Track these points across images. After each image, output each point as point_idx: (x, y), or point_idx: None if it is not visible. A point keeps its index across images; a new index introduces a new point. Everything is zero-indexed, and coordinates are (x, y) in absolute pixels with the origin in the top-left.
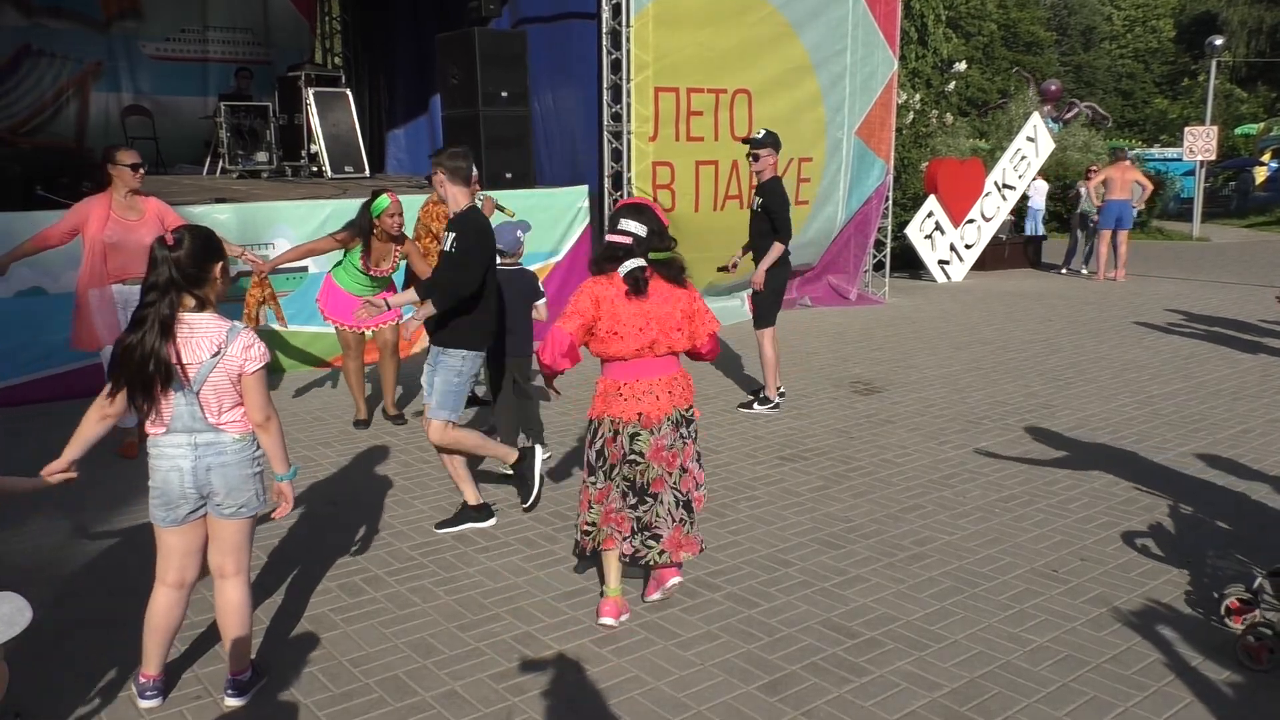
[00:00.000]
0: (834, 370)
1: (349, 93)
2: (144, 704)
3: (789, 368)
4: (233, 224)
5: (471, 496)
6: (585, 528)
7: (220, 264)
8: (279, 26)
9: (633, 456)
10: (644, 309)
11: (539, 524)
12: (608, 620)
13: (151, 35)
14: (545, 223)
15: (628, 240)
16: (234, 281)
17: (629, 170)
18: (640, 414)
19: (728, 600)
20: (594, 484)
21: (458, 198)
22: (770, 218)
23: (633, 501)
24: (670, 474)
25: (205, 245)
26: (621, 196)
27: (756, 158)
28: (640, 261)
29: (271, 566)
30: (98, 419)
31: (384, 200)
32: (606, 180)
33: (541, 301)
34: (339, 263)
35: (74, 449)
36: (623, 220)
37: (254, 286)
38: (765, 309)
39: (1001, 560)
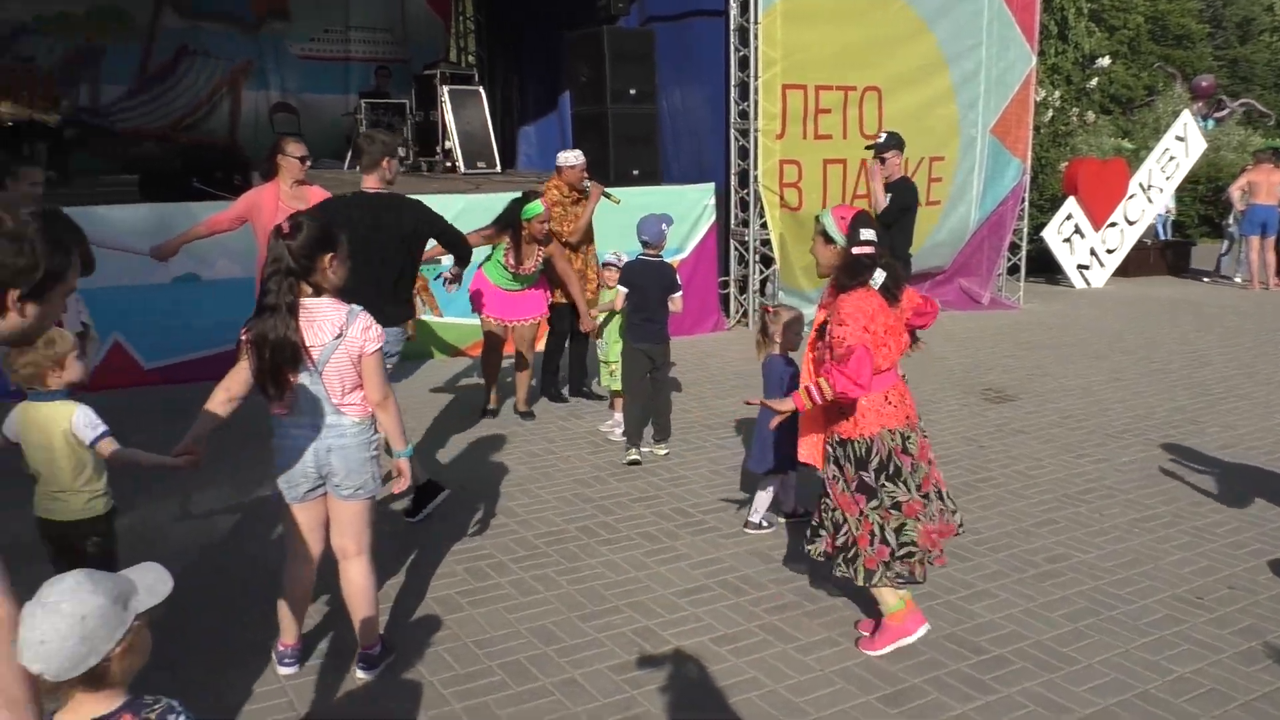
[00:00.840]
0: (964, 377)
1: (482, 90)
2: (282, 670)
3: (914, 373)
4: None
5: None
6: (904, 552)
7: (330, 255)
8: (416, 26)
9: (907, 464)
10: (894, 315)
11: (661, 520)
12: (926, 626)
13: (298, 36)
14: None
15: (871, 250)
16: None
17: (755, 168)
18: (908, 417)
19: (849, 607)
20: (882, 505)
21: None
22: (888, 213)
23: (931, 510)
24: (929, 470)
25: (317, 237)
26: (748, 194)
27: (884, 161)
28: (888, 277)
29: (402, 547)
30: (223, 401)
31: (537, 207)
32: (733, 178)
33: (678, 294)
34: (488, 257)
35: (200, 428)
36: (863, 231)
37: None
38: None
39: (1141, 583)
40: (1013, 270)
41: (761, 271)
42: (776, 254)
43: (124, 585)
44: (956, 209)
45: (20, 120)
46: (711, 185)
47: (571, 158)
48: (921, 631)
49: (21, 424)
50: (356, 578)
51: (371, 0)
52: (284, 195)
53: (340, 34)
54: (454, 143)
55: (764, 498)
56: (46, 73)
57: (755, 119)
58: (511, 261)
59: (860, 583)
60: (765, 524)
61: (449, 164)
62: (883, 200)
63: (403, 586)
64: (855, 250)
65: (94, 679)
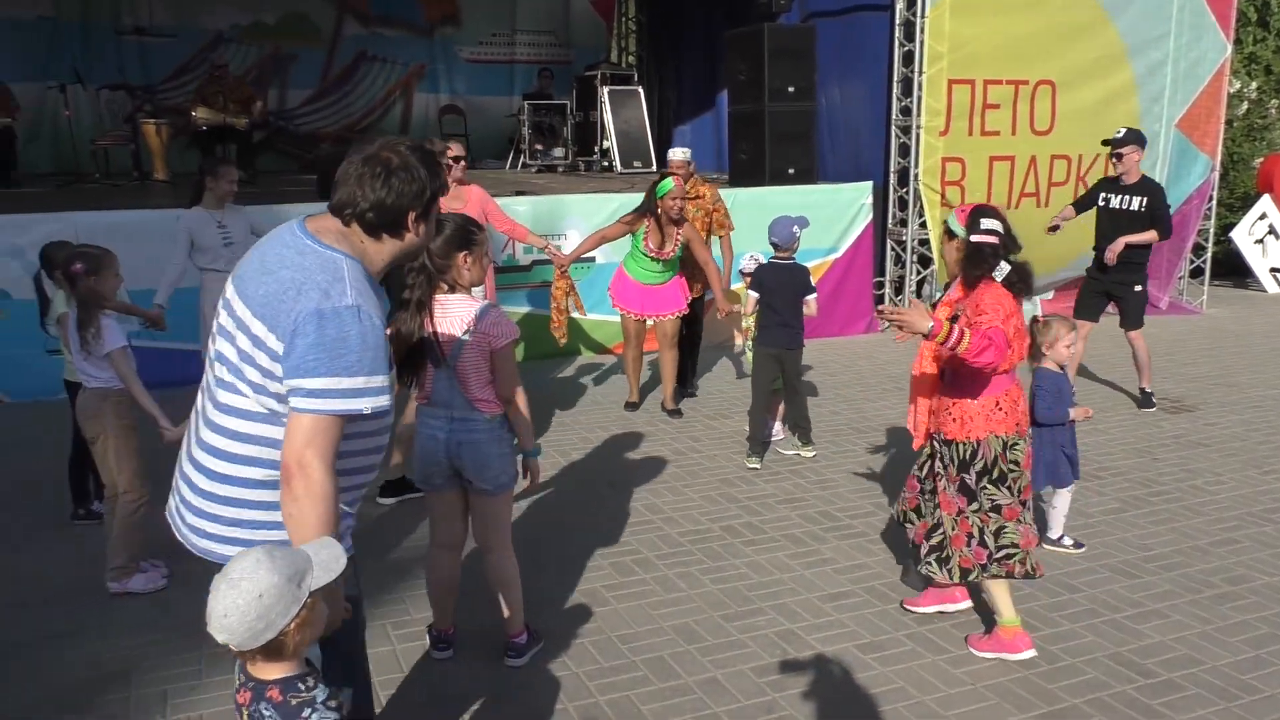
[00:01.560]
0: (1138, 384)
1: (640, 90)
2: (436, 655)
3: (1084, 379)
4: (529, 215)
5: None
6: (1002, 554)
7: (464, 254)
8: (579, 28)
9: (1013, 470)
10: (1020, 317)
11: (807, 523)
12: (1028, 654)
13: (467, 39)
14: (826, 219)
15: (994, 240)
16: (528, 269)
17: (916, 166)
18: (1018, 424)
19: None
20: (981, 509)
21: None
22: (1154, 216)
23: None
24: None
25: (452, 236)
26: (907, 193)
27: (1120, 157)
28: (1012, 271)
29: (552, 539)
30: None
31: (668, 183)
32: (892, 176)
33: (812, 296)
34: (629, 252)
35: None
36: (984, 220)
37: (557, 278)
38: (1135, 310)
39: None
40: (1195, 273)
41: (919, 272)
42: (935, 254)
43: (301, 563)
44: None
45: (214, 124)
46: (869, 184)
47: (677, 154)
48: (1026, 655)
49: None
50: (498, 570)
51: (538, 4)
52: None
53: (507, 37)
54: (612, 142)
55: (1059, 513)
56: (239, 79)
57: (918, 115)
58: (651, 246)
59: (954, 580)
60: (1072, 544)
61: (606, 163)
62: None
63: (551, 578)
64: (975, 238)
65: (271, 651)
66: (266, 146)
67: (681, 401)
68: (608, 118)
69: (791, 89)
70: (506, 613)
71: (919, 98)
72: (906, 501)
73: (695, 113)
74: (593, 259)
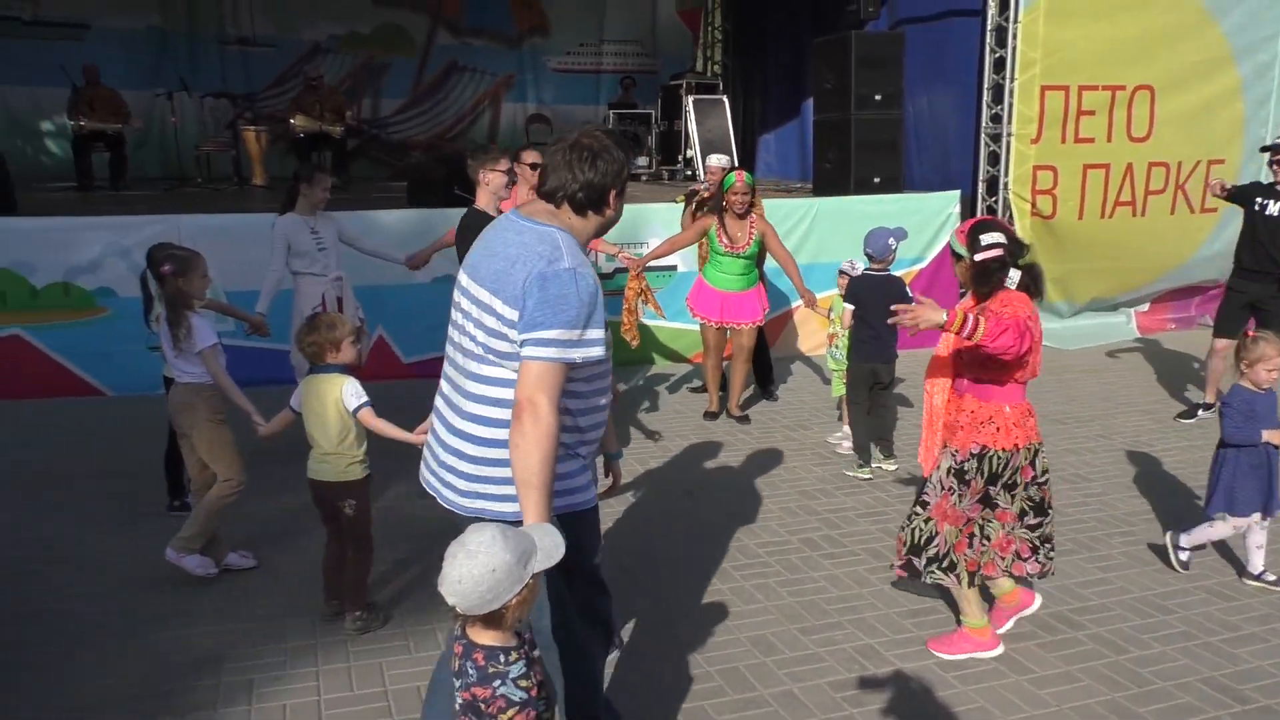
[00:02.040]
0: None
1: (725, 99)
2: None
3: (1179, 393)
4: None
5: None
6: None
7: None
8: (666, 38)
9: (1044, 479)
10: (1039, 322)
11: (887, 536)
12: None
13: (555, 50)
14: (912, 228)
15: (999, 253)
16: (610, 277)
17: (1006, 175)
18: (1039, 432)
19: (1093, 641)
20: (992, 511)
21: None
22: None
23: (1033, 521)
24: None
25: None
26: (997, 202)
27: (1279, 164)
28: (1019, 271)
29: (628, 548)
30: None
31: (731, 178)
32: (981, 185)
33: None
34: (709, 260)
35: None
36: (984, 236)
37: (631, 280)
38: (1228, 316)
39: None
40: None
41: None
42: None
43: (527, 545)
44: (1237, 217)
45: (311, 131)
46: (956, 193)
47: (714, 160)
48: (997, 650)
49: (304, 395)
50: None
51: (625, 14)
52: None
53: (594, 47)
54: (695, 151)
55: (1256, 546)
56: (334, 88)
57: (1009, 123)
58: (726, 240)
59: (955, 586)
60: (1276, 579)
61: (689, 172)
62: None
63: (627, 587)
64: (979, 257)
65: (491, 619)
66: (359, 154)
67: (758, 406)
68: (692, 126)
69: (878, 97)
70: None
71: (1010, 105)
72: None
73: (780, 121)
74: (673, 267)
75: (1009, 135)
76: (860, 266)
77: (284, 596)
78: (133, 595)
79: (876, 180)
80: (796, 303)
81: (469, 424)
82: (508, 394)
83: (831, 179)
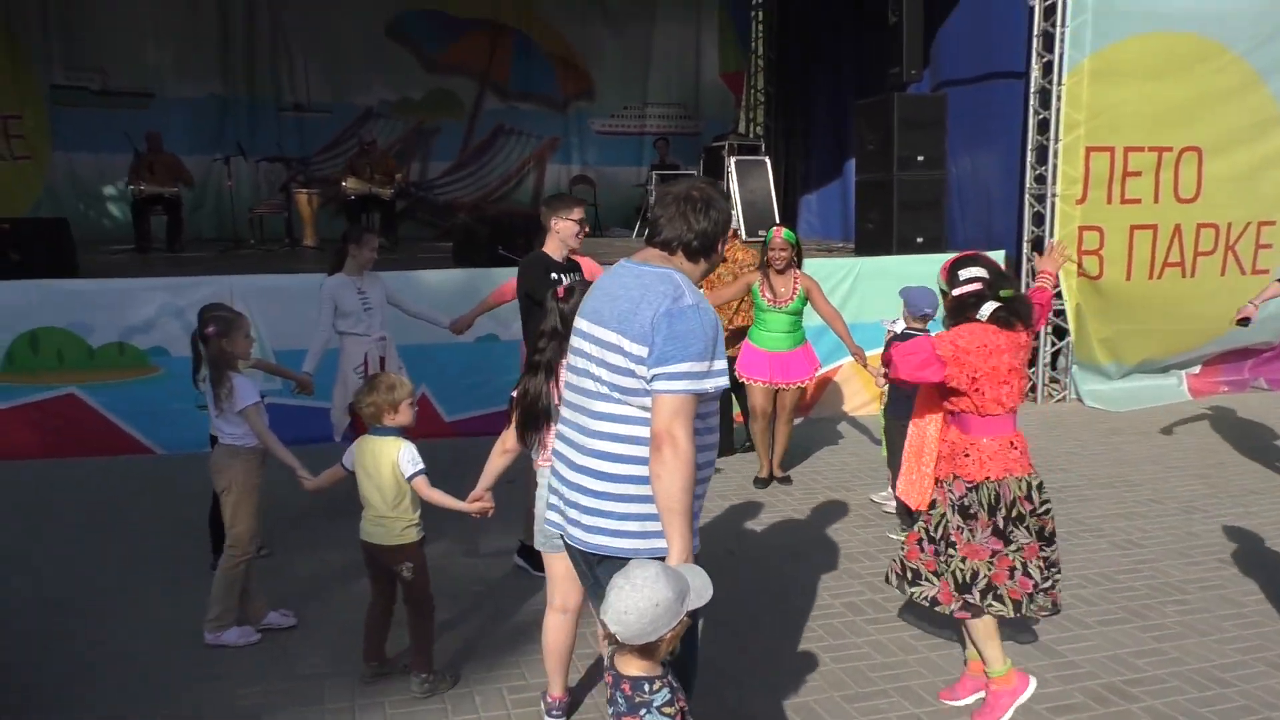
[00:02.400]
0: None
1: (767, 160)
2: None
3: (1232, 457)
4: None
5: None
6: (1048, 584)
7: None
8: (709, 100)
9: (1043, 509)
10: (1016, 355)
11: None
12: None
13: (600, 113)
14: None
15: (977, 286)
16: None
17: (1051, 235)
18: (1033, 465)
19: (1147, 714)
20: (1019, 547)
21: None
22: None
23: (1047, 553)
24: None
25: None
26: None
27: None
28: (998, 305)
29: None
30: (500, 453)
31: (770, 233)
32: (1025, 245)
33: None
34: (755, 321)
35: (485, 480)
36: (962, 271)
37: None
38: None
39: None
40: None
41: (1054, 344)
42: (1071, 325)
43: (683, 585)
44: None
45: (361, 194)
46: (1000, 253)
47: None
48: (1032, 688)
49: (358, 455)
50: None
51: (668, 78)
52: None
53: (638, 110)
54: (737, 211)
55: None
56: (385, 152)
57: (1053, 184)
58: (769, 295)
59: (1010, 614)
60: None
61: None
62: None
63: None
64: (956, 291)
65: (645, 650)
66: (407, 215)
67: (800, 467)
68: (734, 187)
69: (920, 157)
70: None
71: (1054, 165)
72: (924, 565)
73: (822, 182)
74: None
75: (1053, 196)
76: (900, 325)
77: (324, 656)
78: (174, 653)
79: (919, 240)
80: (838, 361)
81: (592, 460)
82: (627, 430)
83: (874, 239)
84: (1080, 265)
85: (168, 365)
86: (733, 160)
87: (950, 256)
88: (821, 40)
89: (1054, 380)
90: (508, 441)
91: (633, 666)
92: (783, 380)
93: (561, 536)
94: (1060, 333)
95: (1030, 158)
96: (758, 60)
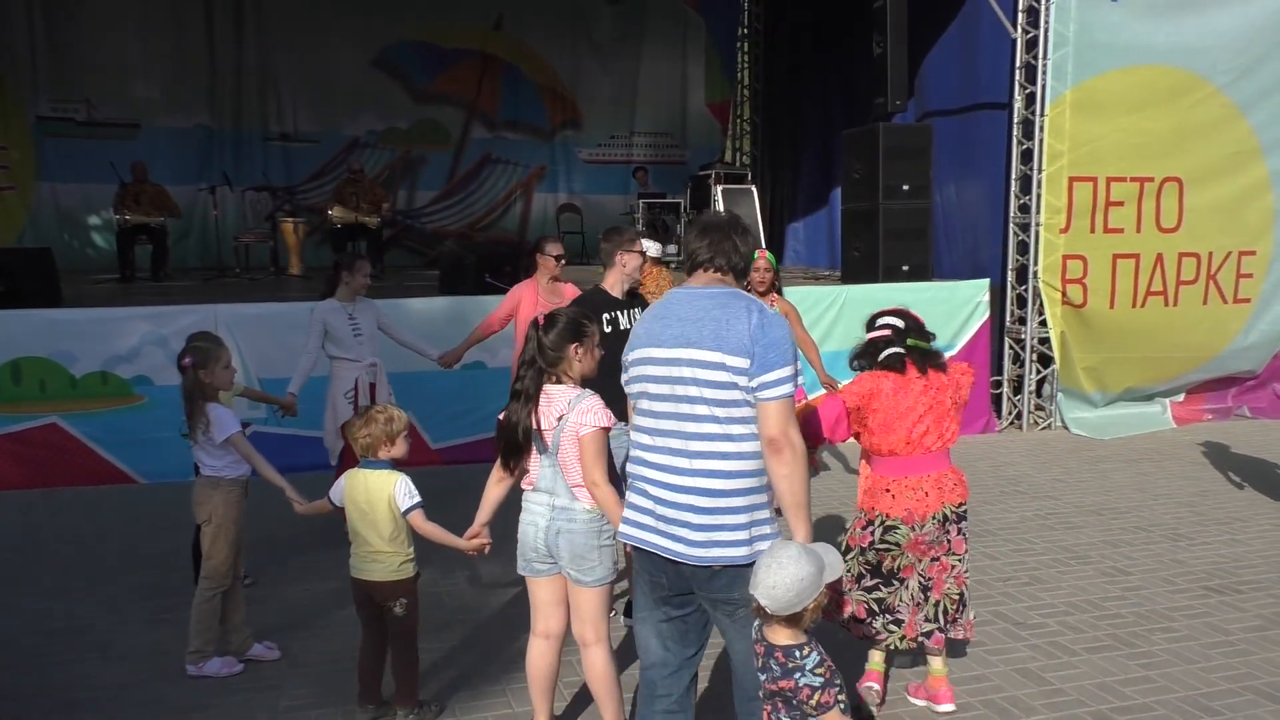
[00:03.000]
0: (1274, 490)
1: (754, 189)
2: None
3: (1216, 484)
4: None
5: None
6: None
7: (575, 345)
8: (695, 129)
9: (883, 545)
10: (916, 401)
11: None
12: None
13: (587, 142)
14: (942, 316)
15: (887, 332)
16: None
17: (1035, 264)
18: (907, 510)
19: None
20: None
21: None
22: None
23: (870, 584)
24: (920, 561)
25: (565, 328)
26: (1026, 291)
27: None
28: (898, 349)
29: None
30: (495, 482)
31: (753, 255)
32: (1010, 274)
33: None
34: None
35: (483, 514)
36: (882, 318)
37: None
38: None
39: None
40: None
41: (1039, 371)
42: (1056, 353)
43: (821, 561)
44: (1271, 308)
45: (348, 222)
46: (985, 281)
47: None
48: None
49: (349, 489)
50: (596, 664)
51: (655, 107)
52: (541, 291)
53: (625, 139)
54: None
55: None
56: (372, 180)
57: (1037, 213)
58: None
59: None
60: None
61: None
62: None
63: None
64: (869, 335)
65: (791, 620)
66: (393, 243)
67: None
68: None
69: (906, 187)
70: (605, 710)
71: (1038, 195)
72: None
73: (808, 210)
74: None
75: (1038, 225)
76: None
77: (310, 687)
78: (159, 686)
79: (905, 268)
80: (816, 394)
81: (700, 479)
82: (734, 447)
83: (860, 267)
84: (1064, 294)
85: (151, 394)
86: (719, 189)
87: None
88: (808, 70)
89: (1039, 408)
90: (502, 470)
91: (782, 636)
92: None
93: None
94: (1045, 360)
95: (1014, 187)
96: (744, 90)
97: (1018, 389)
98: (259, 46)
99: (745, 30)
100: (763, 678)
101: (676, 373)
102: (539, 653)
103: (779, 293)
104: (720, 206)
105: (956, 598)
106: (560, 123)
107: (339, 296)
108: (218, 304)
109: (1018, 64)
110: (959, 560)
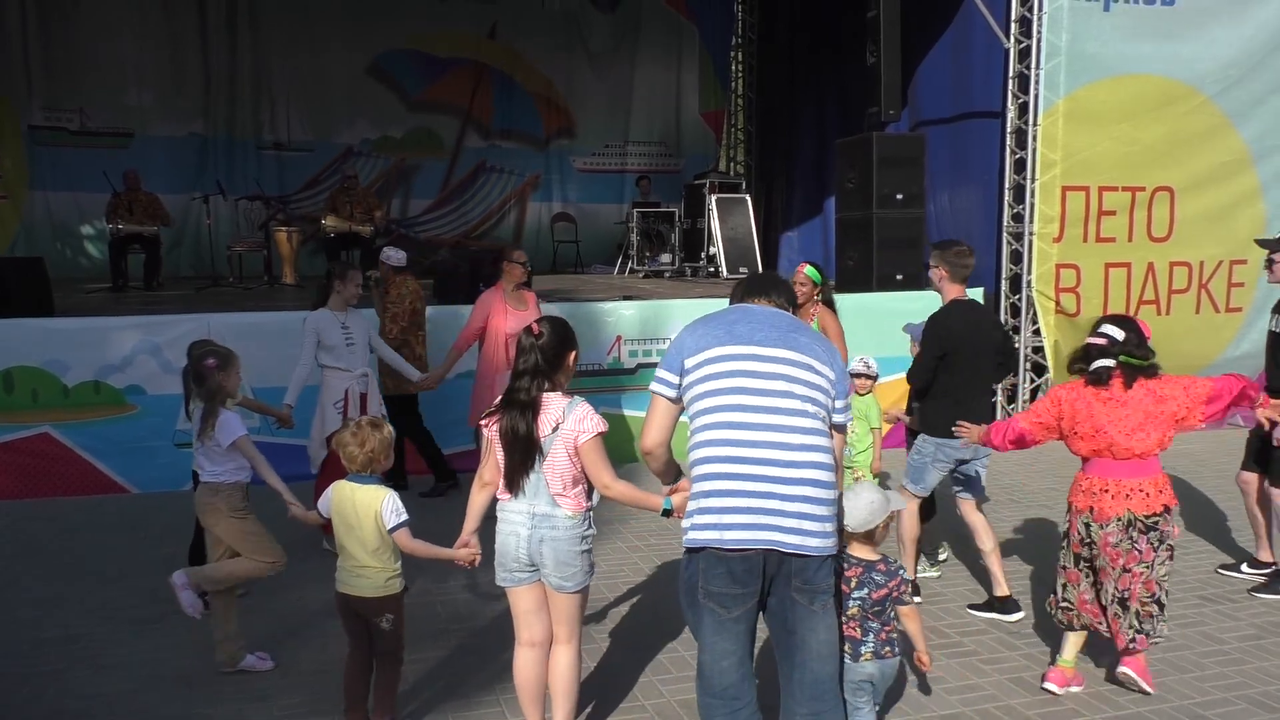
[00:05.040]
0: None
1: (748, 198)
2: None
3: (1209, 493)
4: (635, 320)
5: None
6: (1063, 604)
7: (574, 353)
8: (689, 138)
9: (1078, 538)
10: (1116, 412)
11: None
12: (1051, 686)
13: (581, 151)
14: None
15: (1103, 341)
16: (634, 373)
17: (1029, 273)
18: (1092, 508)
19: None
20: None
21: (949, 292)
22: None
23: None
24: (1113, 569)
25: (564, 336)
26: (1020, 300)
27: (1273, 263)
28: (1108, 361)
29: (651, 644)
30: (479, 489)
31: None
32: (1004, 283)
33: None
34: None
35: (470, 523)
36: (1105, 325)
37: None
38: None
39: None
40: None
41: (1033, 380)
42: (1050, 362)
43: (886, 493)
44: (1262, 316)
45: (341, 231)
46: (980, 290)
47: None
48: (1063, 690)
49: (336, 503)
50: (563, 663)
51: (649, 116)
52: (508, 299)
53: (619, 148)
54: (718, 248)
55: None
56: (367, 189)
57: (1030, 222)
58: None
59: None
60: None
61: (712, 269)
62: None
63: (637, 681)
64: (1088, 340)
65: (867, 537)
66: None
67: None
68: (714, 224)
69: (900, 196)
70: (560, 708)
71: (1031, 204)
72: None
73: (803, 219)
74: None
75: (1031, 234)
76: (874, 364)
77: (300, 696)
78: (152, 696)
79: (899, 277)
80: None
81: (809, 471)
82: (827, 443)
83: (854, 276)
84: (1058, 303)
85: (144, 403)
86: (714, 198)
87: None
88: (801, 79)
89: None
90: (485, 475)
91: (866, 551)
92: None
93: (722, 552)
94: (1039, 369)
95: (1008, 196)
96: (738, 99)
97: (1012, 398)
98: (252, 55)
99: (739, 39)
100: (857, 595)
101: (782, 370)
102: (527, 662)
103: (828, 304)
104: (715, 215)
105: (1149, 601)
106: (554, 131)
107: (332, 306)
108: (211, 313)
109: (1010, 74)
110: (1147, 568)
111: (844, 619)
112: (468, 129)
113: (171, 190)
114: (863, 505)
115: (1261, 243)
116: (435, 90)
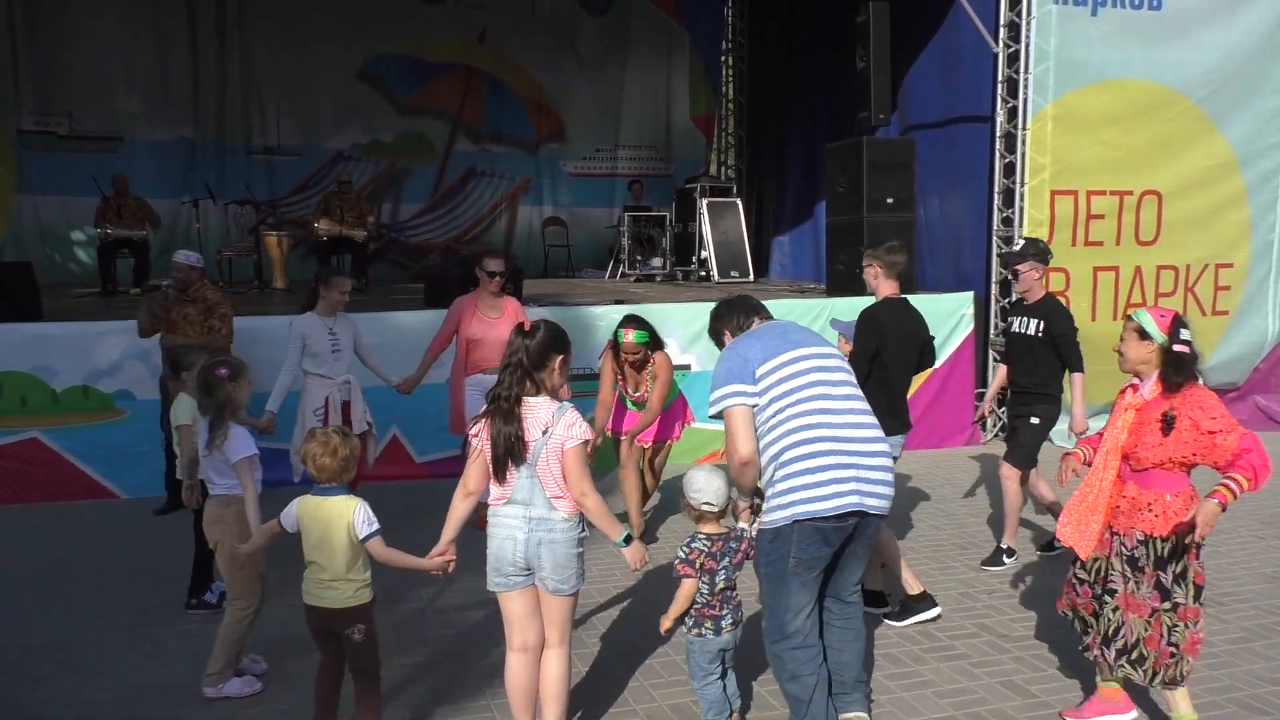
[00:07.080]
0: (1260, 505)
1: (739, 202)
2: None
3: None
4: None
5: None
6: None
7: (561, 357)
8: (680, 142)
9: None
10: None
11: (906, 643)
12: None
13: (571, 155)
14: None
15: (1189, 349)
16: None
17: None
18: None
19: None
20: (1174, 607)
21: (882, 290)
22: (1057, 344)
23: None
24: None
25: (553, 338)
26: (1009, 303)
27: (1017, 275)
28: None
29: (644, 648)
30: (463, 497)
31: (619, 334)
32: (994, 286)
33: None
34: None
35: (449, 531)
36: (1184, 331)
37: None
38: (1024, 444)
39: None
40: None
41: None
42: None
43: (726, 476)
44: (1249, 320)
45: (333, 235)
46: (970, 294)
47: (178, 257)
48: (1131, 715)
49: (303, 516)
50: (554, 667)
51: (640, 120)
52: (482, 305)
53: (609, 152)
54: (710, 252)
55: None
56: (358, 193)
57: (1020, 226)
58: (630, 391)
59: (1149, 683)
60: None
61: (703, 273)
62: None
63: (631, 686)
64: (1177, 348)
65: (719, 514)
66: (378, 256)
67: None
68: (706, 229)
69: (890, 200)
70: (551, 712)
71: (1020, 208)
72: (1082, 608)
73: (794, 223)
74: (686, 366)
75: (1020, 238)
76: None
77: (289, 703)
78: (142, 702)
79: None
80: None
81: (883, 444)
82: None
83: (845, 280)
84: None
85: (133, 409)
86: (705, 202)
87: (1159, 308)
88: (792, 83)
89: None
90: (469, 484)
91: (714, 528)
92: (649, 440)
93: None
94: None
95: (997, 200)
96: (728, 103)
97: (1002, 401)
98: (242, 59)
99: (729, 44)
100: (726, 561)
101: (837, 364)
102: (518, 667)
103: (658, 347)
104: (706, 219)
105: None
106: (545, 135)
107: (319, 311)
108: None
109: (999, 78)
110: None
111: (707, 598)
112: (458, 133)
113: (161, 195)
114: (719, 485)
115: (1003, 258)
116: (425, 94)
